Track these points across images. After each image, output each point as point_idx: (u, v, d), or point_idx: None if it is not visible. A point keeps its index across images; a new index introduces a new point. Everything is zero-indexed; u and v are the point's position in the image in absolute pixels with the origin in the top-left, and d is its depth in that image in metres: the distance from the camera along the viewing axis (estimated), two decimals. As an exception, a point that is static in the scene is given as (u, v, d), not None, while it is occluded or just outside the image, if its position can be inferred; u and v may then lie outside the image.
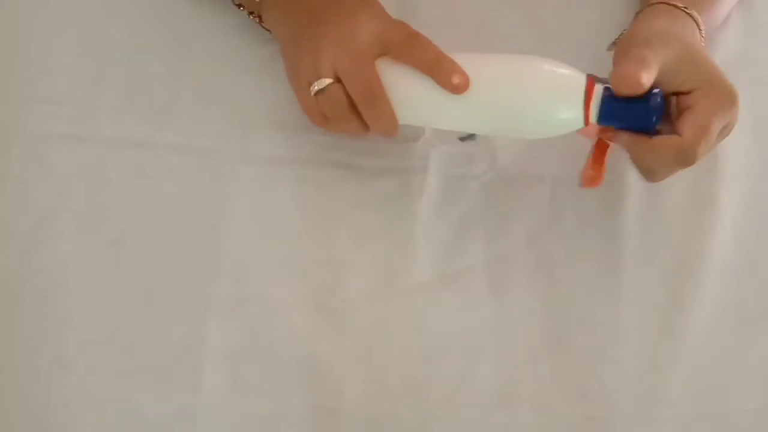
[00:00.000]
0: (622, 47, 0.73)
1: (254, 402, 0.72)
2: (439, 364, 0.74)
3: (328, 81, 0.71)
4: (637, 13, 0.78)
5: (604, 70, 0.72)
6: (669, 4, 0.76)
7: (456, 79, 0.70)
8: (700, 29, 0.76)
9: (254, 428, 0.72)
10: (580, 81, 0.70)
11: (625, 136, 0.71)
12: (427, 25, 0.75)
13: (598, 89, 0.70)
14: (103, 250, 0.74)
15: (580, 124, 0.71)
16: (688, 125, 0.70)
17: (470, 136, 0.75)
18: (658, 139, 0.70)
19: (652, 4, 0.77)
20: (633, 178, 0.80)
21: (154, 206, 0.75)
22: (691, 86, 0.71)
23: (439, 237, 0.77)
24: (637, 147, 0.71)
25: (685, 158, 0.70)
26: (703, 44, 0.76)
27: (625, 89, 0.69)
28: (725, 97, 0.71)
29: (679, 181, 0.79)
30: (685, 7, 0.76)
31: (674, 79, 0.70)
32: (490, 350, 0.75)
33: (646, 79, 0.68)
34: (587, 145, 0.74)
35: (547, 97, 0.71)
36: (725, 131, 0.72)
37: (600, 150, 0.74)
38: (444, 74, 0.70)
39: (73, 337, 0.72)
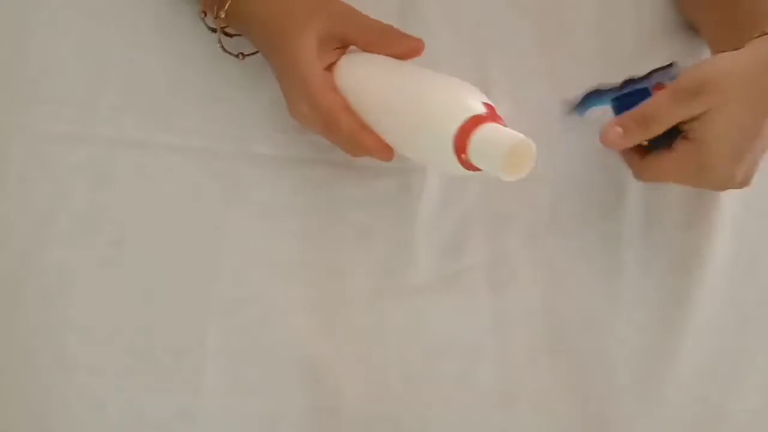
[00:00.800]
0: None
1: (254, 402, 0.72)
2: (439, 364, 0.74)
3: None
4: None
5: (605, 70, 0.71)
6: None
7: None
8: None
9: (254, 428, 0.72)
10: (452, 125, 0.63)
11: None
12: (427, 25, 0.75)
13: (479, 134, 0.62)
14: (103, 250, 0.74)
15: (459, 170, 0.65)
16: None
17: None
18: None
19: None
20: (633, 178, 0.80)
21: (154, 206, 0.75)
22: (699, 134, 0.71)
23: (439, 237, 0.77)
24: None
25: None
26: None
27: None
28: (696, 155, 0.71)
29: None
30: None
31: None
32: (490, 350, 0.75)
33: (620, 144, 0.72)
34: (587, 146, 0.74)
35: (418, 131, 0.67)
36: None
37: None
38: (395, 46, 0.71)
39: (73, 337, 0.72)
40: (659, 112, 0.71)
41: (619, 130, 0.71)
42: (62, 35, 0.78)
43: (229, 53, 0.76)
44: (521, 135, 0.61)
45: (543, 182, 0.79)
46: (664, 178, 0.74)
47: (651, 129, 0.71)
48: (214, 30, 0.75)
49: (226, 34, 0.75)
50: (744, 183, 0.73)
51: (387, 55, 0.72)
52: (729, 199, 0.81)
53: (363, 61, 0.72)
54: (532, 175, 0.79)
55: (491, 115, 0.64)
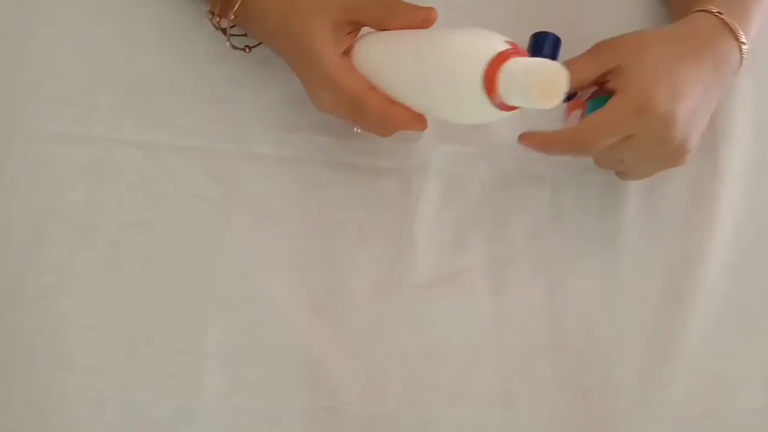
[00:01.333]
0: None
1: (254, 402, 0.72)
2: (439, 364, 0.74)
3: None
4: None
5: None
6: (706, 12, 0.75)
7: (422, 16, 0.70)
8: (738, 36, 0.75)
9: (254, 428, 0.72)
10: (478, 65, 0.62)
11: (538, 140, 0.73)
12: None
13: (508, 67, 0.61)
14: (103, 250, 0.74)
15: (493, 113, 0.64)
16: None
17: None
18: (555, 133, 0.72)
19: (693, 11, 0.76)
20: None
21: (154, 206, 0.75)
22: (614, 84, 0.71)
23: (439, 237, 0.77)
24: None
25: (576, 146, 0.72)
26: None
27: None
28: (632, 101, 0.70)
29: (679, 180, 0.79)
30: (719, 13, 0.75)
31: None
32: (490, 350, 0.75)
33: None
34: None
35: (445, 83, 0.65)
36: (632, 143, 0.71)
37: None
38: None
39: (73, 337, 0.72)
40: (578, 75, 0.71)
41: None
42: (62, 35, 0.78)
43: (237, 48, 0.76)
44: (549, 60, 0.60)
45: (543, 182, 0.79)
46: (607, 137, 0.71)
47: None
48: (220, 29, 0.75)
49: (233, 34, 0.75)
50: (688, 147, 0.72)
51: (401, 29, 0.71)
52: (729, 200, 0.81)
53: (378, 39, 0.72)
54: (533, 175, 0.80)
55: (515, 51, 0.62)
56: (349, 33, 0.72)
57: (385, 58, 0.71)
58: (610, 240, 0.79)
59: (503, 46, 0.62)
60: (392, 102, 0.71)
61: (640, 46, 0.72)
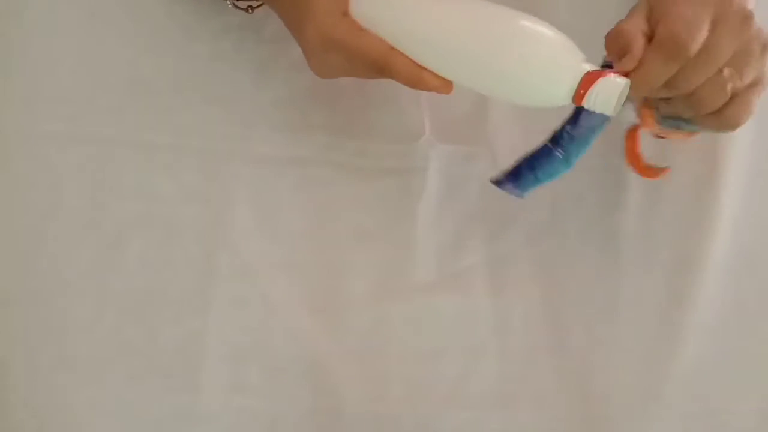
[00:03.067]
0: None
1: (254, 402, 0.72)
2: (439, 364, 0.74)
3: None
4: None
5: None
6: None
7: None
8: None
9: (254, 428, 0.72)
10: (571, 73, 0.64)
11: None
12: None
13: (603, 82, 0.63)
14: (103, 249, 0.74)
15: (560, 103, 0.65)
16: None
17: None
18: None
19: None
20: (632, 177, 0.80)
21: (153, 206, 0.75)
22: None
23: (439, 237, 0.77)
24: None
25: (674, 52, 0.63)
26: None
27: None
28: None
29: (679, 180, 0.79)
30: None
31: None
32: (490, 350, 0.75)
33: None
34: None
35: (526, 74, 0.65)
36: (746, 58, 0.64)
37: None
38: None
39: (73, 337, 0.72)
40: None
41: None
42: (62, 35, 0.78)
43: (239, 8, 0.75)
44: (622, 79, 0.63)
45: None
46: (697, 24, 0.63)
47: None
48: None
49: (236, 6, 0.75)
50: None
51: None
52: (729, 199, 0.81)
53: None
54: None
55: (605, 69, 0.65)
56: None
57: (407, 18, 0.68)
58: (610, 240, 0.79)
59: (585, 61, 0.65)
60: (419, 66, 0.67)
61: None
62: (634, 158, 0.74)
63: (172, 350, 0.72)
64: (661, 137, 0.73)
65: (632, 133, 0.74)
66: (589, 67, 0.64)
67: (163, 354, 0.72)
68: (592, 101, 0.64)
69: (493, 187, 0.78)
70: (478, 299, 0.76)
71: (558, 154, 0.69)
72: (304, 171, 0.77)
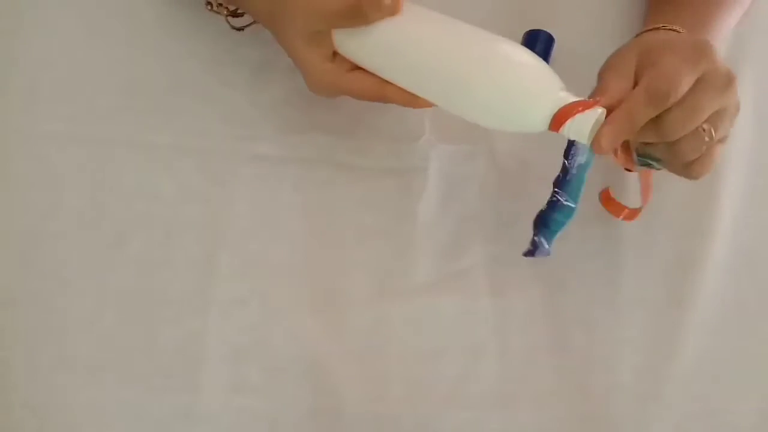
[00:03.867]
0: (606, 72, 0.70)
1: (254, 402, 0.72)
2: (438, 364, 0.74)
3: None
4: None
5: (591, 74, 0.71)
6: (669, 29, 0.73)
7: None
8: None
9: (254, 428, 0.72)
10: (547, 104, 0.66)
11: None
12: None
13: (579, 118, 0.65)
14: (103, 249, 0.74)
15: (539, 130, 0.67)
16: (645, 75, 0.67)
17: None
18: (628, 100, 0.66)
19: (650, 29, 0.74)
20: (633, 178, 0.80)
21: (153, 206, 0.75)
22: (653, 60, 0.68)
23: (439, 237, 0.77)
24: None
25: (656, 98, 0.65)
26: None
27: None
28: (690, 50, 0.67)
29: (679, 180, 0.79)
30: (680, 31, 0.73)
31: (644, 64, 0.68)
32: (490, 351, 0.75)
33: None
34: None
35: (504, 101, 0.66)
36: (706, 88, 0.66)
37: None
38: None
39: (73, 337, 0.72)
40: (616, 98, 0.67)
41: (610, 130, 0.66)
42: (62, 36, 0.78)
43: (235, 29, 0.77)
44: (597, 109, 0.65)
45: (543, 182, 0.79)
46: (682, 77, 0.66)
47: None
48: (220, 14, 0.76)
49: (234, 16, 0.76)
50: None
51: (374, 22, 0.68)
52: (729, 199, 0.81)
53: (368, 34, 0.69)
54: (533, 175, 0.79)
55: (583, 103, 0.66)
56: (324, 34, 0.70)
57: (394, 47, 0.69)
58: (610, 240, 0.79)
59: (564, 92, 0.66)
60: (411, 94, 0.69)
61: (641, 46, 0.70)
62: (614, 207, 0.78)
63: (172, 350, 0.73)
64: (628, 170, 0.76)
65: (606, 193, 0.78)
66: (565, 95, 0.66)
67: (163, 354, 0.72)
68: (567, 130, 0.66)
69: (493, 187, 0.79)
70: (478, 299, 0.76)
71: (563, 201, 0.72)
72: (304, 171, 0.77)
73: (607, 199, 0.78)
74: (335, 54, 0.70)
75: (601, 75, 0.69)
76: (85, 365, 0.72)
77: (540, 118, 0.65)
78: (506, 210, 0.79)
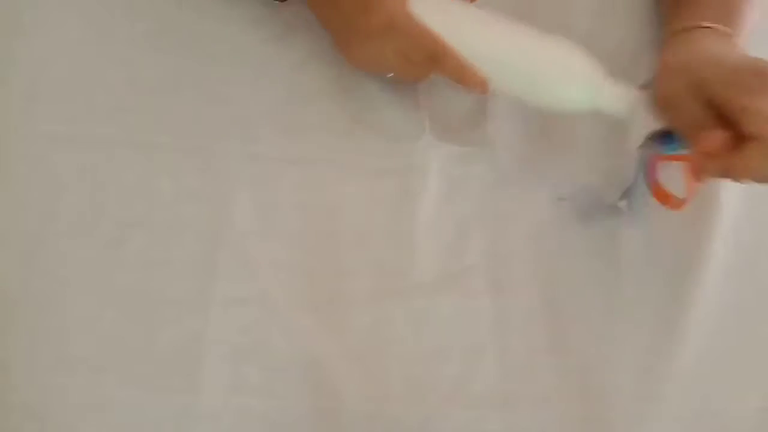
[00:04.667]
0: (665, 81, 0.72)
1: (254, 402, 0.72)
2: (439, 364, 0.74)
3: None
4: (668, 39, 0.77)
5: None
6: (704, 27, 0.74)
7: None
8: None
9: (254, 428, 0.72)
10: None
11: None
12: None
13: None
14: (103, 250, 0.74)
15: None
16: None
17: None
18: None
19: (684, 29, 0.75)
20: (633, 178, 0.80)
21: (153, 206, 0.75)
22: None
23: (439, 237, 0.77)
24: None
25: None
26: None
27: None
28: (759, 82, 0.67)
29: (678, 180, 0.79)
30: (720, 27, 0.74)
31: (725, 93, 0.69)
32: (490, 350, 0.75)
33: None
34: (588, 145, 0.74)
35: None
36: None
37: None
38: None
39: (73, 337, 0.72)
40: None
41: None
42: (61, 35, 0.78)
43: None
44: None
45: (543, 182, 0.79)
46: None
47: None
48: None
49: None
50: None
51: None
52: (729, 199, 0.81)
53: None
54: (533, 175, 0.80)
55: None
56: None
57: (458, 24, 0.75)
58: (610, 240, 0.79)
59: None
60: (467, 66, 0.74)
61: (689, 74, 0.70)
62: (656, 188, 0.77)
63: (172, 350, 0.72)
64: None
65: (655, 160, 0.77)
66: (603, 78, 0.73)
67: (163, 354, 0.72)
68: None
69: (493, 187, 0.79)
70: (478, 299, 0.76)
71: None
72: (304, 171, 0.77)
73: (656, 189, 0.77)
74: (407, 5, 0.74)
75: (668, 118, 0.71)
76: (85, 365, 0.71)
77: (584, 95, 0.73)
78: (506, 210, 0.79)
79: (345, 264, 0.76)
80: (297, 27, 0.80)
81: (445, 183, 0.78)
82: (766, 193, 0.82)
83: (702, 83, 0.69)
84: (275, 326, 0.73)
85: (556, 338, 0.76)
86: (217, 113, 0.78)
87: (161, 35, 0.79)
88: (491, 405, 0.74)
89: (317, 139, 0.78)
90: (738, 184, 0.81)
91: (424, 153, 0.78)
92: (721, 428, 0.77)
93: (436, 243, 0.77)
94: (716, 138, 0.67)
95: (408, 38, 0.73)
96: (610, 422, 0.75)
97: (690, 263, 0.79)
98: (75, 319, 0.72)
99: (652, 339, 0.77)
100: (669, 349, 0.77)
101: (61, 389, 0.71)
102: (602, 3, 0.85)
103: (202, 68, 0.79)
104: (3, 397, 0.71)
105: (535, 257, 0.78)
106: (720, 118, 0.68)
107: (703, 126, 0.68)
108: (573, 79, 0.73)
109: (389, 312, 0.75)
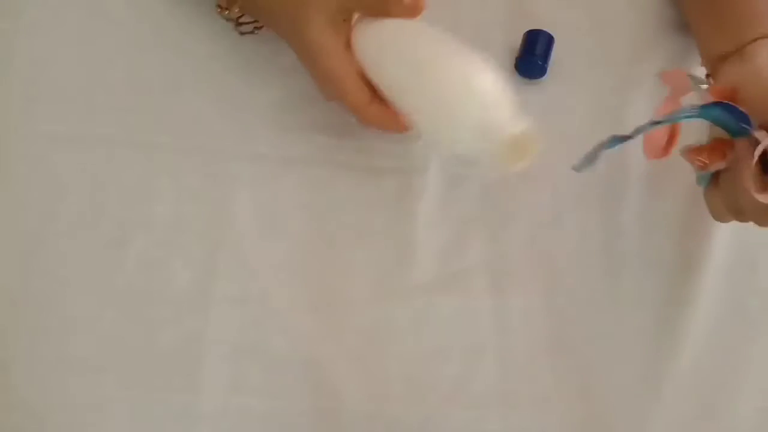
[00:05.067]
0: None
1: (254, 402, 0.72)
2: (439, 364, 0.74)
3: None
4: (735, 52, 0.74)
5: (602, 72, 0.71)
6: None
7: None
8: None
9: (254, 428, 0.72)
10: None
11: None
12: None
13: None
14: (103, 249, 0.74)
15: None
16: None
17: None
18: None
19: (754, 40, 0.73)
20: (633, 177, 0.80)
21: (153, 206, 0.75)
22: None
23: (439, 237, 0.77)
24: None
25: None
26: None
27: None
28: None
29: (679, 180, 0.79)
30: None
31: None
32: (490, 350, 0.75)
33: None
34: (588, 144, 0.74)
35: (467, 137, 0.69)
36: None
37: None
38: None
39: (73, 337, 0.72)
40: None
41: None
42: (62, 35, 0.78)
43: (245, 33, 0.78)
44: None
45: (543, 182, 0.79)
46: None
47: None
48: (229, 20, 0.77)
49: (240, 24, 0.77)
50: None
51: (392, 17, 0.72)
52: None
53: (380, 30, 0.73)
54: (533, 175, 0.79)
55: None
56: (345, 21, 0.73)
57: (389, 52, 0.73)
58: (610, 240, 0.79)
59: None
60: (373, 100, 0.73)
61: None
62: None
63: (172, 350, 0.72)
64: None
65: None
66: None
67: (163, 354, 0.72)
68: None
69: (493, 187, 0.79)
70: (478, 299, 0.76)
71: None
72: (304, 171, 0.77)
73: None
74: (347, 47, 0.72)
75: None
76: (85, 365, 0.72)
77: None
78: (506, 210, 0.79)
79: (345, 264, 0.76)
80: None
81: (445, 183, 0.78)
82: (765, 193, 0.82)
83: None
84: (275, 326, 0.74)
85: (556, 338, 0.76)
86: (217, 113, 0.78)
87: (161, 35, 0.79)
88: (491, 405, 0.74)
89: (317, 139, 0.78)
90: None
91: (424, 153, 0.78)
92: (721, 428, 0.76)
93: (436, 243, 0.77)
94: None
95: (314, 70, 0.73)
96: (610, 422, 0.75)
97: (690, 263, 0.79)
98: (75, 319, 0.72)
99: (652, 339, 0.77)
100: (669, 349, 0.77)
101: (61, 389, 0.71)
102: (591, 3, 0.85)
103: (202, 68, 0.79)
104: (3, 397, 0.71)
105: (535, 257, 0.78)
106: None
107: None
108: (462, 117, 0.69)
109: (389, 312, 0.75)
